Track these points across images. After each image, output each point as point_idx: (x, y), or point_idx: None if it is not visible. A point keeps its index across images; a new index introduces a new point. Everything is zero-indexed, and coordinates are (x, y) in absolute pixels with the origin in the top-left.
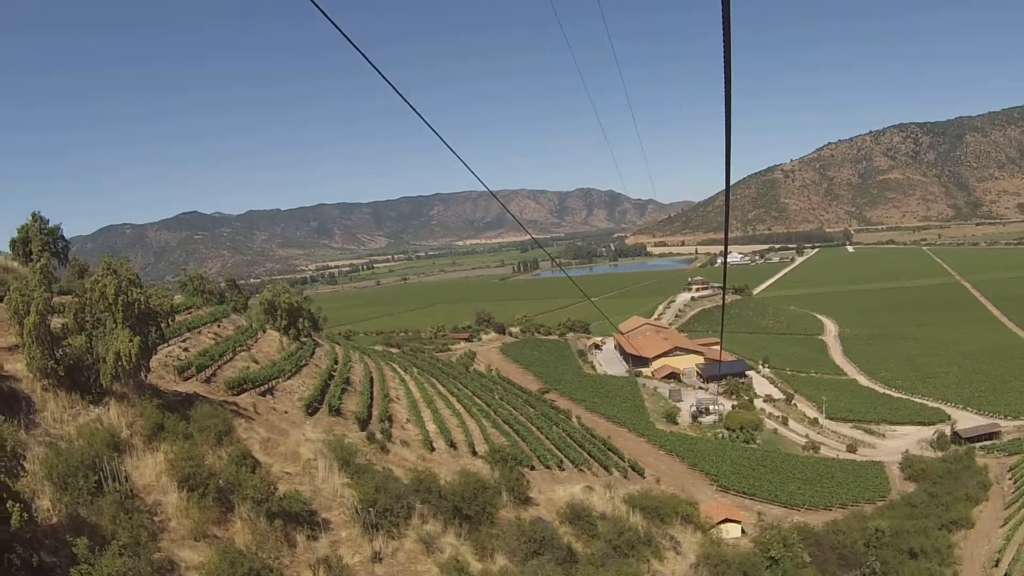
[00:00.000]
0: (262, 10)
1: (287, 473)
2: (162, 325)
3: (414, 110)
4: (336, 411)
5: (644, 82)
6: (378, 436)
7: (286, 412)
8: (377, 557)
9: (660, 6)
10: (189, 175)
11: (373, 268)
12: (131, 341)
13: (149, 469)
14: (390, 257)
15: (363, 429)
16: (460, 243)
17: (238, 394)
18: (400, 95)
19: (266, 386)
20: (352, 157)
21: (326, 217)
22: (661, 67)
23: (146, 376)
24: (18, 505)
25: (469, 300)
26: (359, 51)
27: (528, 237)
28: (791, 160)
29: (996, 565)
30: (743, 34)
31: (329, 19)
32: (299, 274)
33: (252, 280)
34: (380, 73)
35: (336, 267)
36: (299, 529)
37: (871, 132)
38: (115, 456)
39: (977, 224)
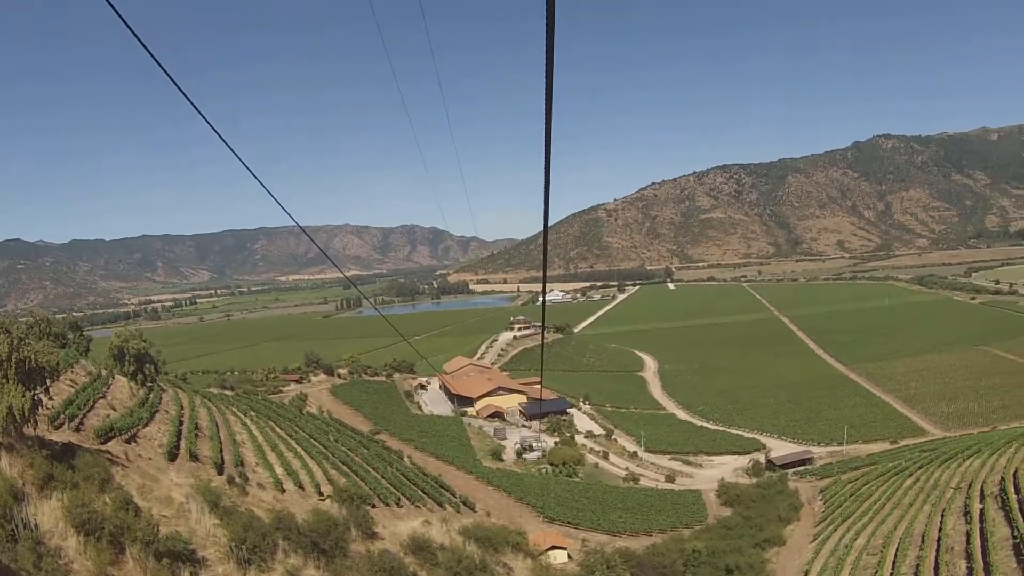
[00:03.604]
0: (80, 33)
1: (164, 516)
2: (47, 379)
3: (229, 147)
4: (195, 457)
5: (469, 120)
6: (237, 479)
7: (150, 459)
8: None
9: (485, 45)
10: (11, 200)
11: (196, 303)
12: (24, 396)
13: (47, 516)
14: (213, 292)
15: (220, 473)
16: (283, 278)
17: (105, 442)
18: (214, 129)
19: (129, 433)
20: (175, 186)
21: (149, 249)
22: (485, 105)
23: (35, 428)
24: None
25: (294, 339)
26: (174, 82)
27: (349, 275)
28: (615, 199)
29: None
30: (567, 75)
31: (144, 46)
32: (122, 308)
33: (75, 313)
34: (195, 107)
35: (159, 301)
36: (183, 567)
37: (695, 173)
38: (16, 505)
39: (797, 260)
